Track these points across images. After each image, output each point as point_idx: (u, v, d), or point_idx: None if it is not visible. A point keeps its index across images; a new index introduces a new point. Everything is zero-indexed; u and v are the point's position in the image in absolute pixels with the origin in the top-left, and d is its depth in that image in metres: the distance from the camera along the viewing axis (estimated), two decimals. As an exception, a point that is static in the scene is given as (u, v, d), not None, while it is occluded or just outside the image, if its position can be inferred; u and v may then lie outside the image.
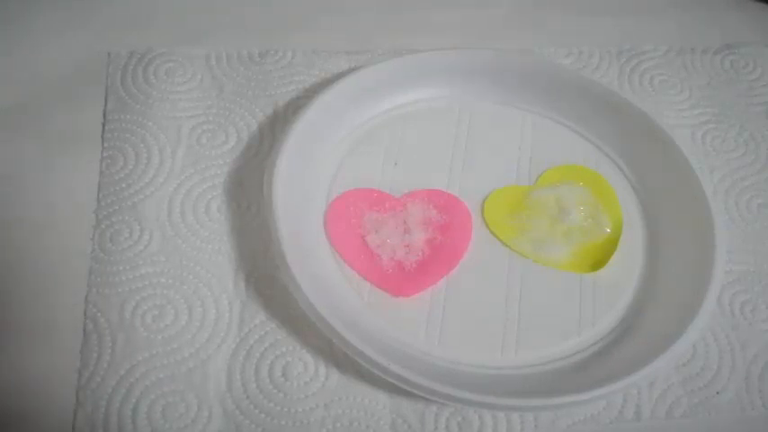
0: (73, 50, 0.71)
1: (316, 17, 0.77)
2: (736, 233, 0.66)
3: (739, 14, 0.84)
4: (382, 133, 0.68)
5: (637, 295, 0.61)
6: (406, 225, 0.62)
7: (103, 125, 0.66)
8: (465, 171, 0.66)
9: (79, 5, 0.74)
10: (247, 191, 0.63)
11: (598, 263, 0.62)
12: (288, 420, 0.54)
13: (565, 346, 0.58)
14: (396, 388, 0.52)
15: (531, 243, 0.62)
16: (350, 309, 0.57)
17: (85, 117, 0.66)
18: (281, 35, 0.74)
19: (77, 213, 0.61)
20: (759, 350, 0.60)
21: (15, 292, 0.58)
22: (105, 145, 0.65)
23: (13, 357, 0.55)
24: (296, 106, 0.68)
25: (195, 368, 0.55)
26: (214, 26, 0.75)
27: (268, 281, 0.59)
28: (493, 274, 0.61)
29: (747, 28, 0.82)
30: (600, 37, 0.79)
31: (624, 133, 0.68)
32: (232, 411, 0.54)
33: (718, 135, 0.72)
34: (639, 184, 0.67)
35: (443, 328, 0.58)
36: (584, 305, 0.60)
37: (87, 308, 0.57)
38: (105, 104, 0.67)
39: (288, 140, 0.61)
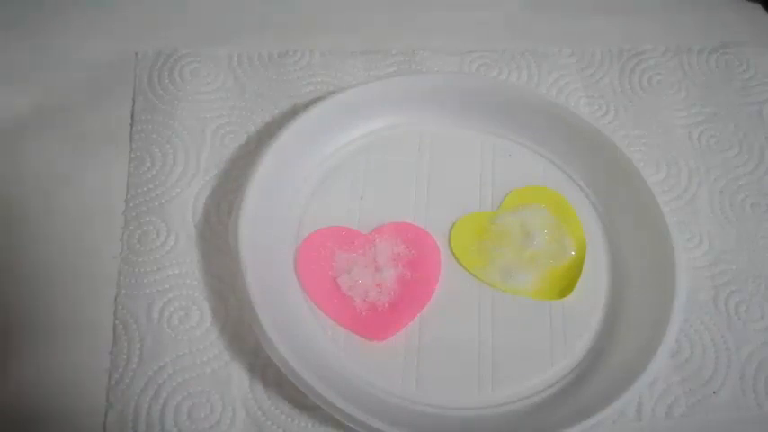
0: (102, 50, 0.68)
1: (332, 18, 0.74)
2: (729, 233, 0.64)
3: (733, 15, 0.82)
4: (345, 168, 0.63)
5: (605, 318, 0.58)
6: (377, 263, 0.58)
7: (131, 125, 0.63)
8: (430, 200, 0.62)
9: (108, 6, 0.72)
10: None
11: (566, 288, 0.59)
12: (308, 422, 0.52)
13: (540, 379, 0.55)
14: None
15: (499, 272, 0.59)
16: (327, 361, 0.53)
17: (114, 117, 0.64)
18: (298, 36, 0.72)
19: (107, 214, 0.59)
20: (753, 350, 0.59)
21: (46, 293, 0.56)
22: (133, 146, 0.62)
23: (44, 358, 0.53)
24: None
25: (219, 369, 0.53)
26: (236, 26, 0.72)
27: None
28: (464, 309, 0.57)
29: (741, 28, 0.80)
30: (601, 37, 0.76)
31: (580, 151, 0.64)
32: (254, 412, 0.52)
33: (714, 135, 0.70)
34: (599, 201, 0.63)
35: (420, 371, 0.54)
36: (555, 334, 0.57)
37: (117, 309, 0.55)
38: (133, 105, 0.65)
39: (250, 187, 0.56)
